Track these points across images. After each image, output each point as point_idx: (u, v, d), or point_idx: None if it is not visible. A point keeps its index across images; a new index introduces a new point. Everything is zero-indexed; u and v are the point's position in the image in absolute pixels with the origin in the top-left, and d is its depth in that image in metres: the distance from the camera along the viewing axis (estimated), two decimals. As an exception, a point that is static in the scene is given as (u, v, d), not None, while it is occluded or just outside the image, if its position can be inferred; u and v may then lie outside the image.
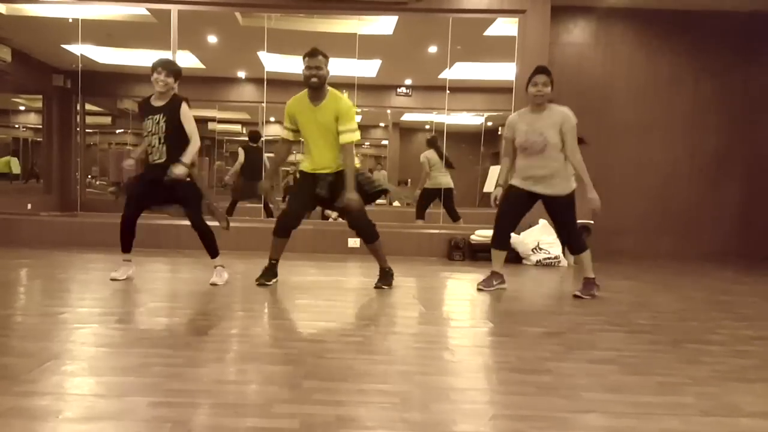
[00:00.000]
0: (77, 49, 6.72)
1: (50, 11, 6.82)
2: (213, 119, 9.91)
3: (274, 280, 4.10)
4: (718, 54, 7.08)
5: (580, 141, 3.93)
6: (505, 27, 6.43)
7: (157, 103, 3.87)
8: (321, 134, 3.92)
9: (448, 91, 6.96)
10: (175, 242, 5.79)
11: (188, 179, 3.85)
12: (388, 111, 9.74)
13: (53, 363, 2.20)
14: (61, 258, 5.10)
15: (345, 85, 7.10)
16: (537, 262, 5.71)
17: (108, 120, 10.55)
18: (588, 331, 3.04)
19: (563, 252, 5.73)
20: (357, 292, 4.03)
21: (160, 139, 3.84)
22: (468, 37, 6.80)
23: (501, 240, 4.13)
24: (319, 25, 7.00)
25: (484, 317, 3.42)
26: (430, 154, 7.27)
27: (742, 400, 2.06)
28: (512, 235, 5.57)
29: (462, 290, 4.30)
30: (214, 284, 3.96)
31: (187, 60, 6.89)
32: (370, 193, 4.05)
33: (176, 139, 3.82)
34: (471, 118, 9.30)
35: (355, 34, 6.61)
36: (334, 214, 7.52)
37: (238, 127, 10.42)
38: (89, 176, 9.90)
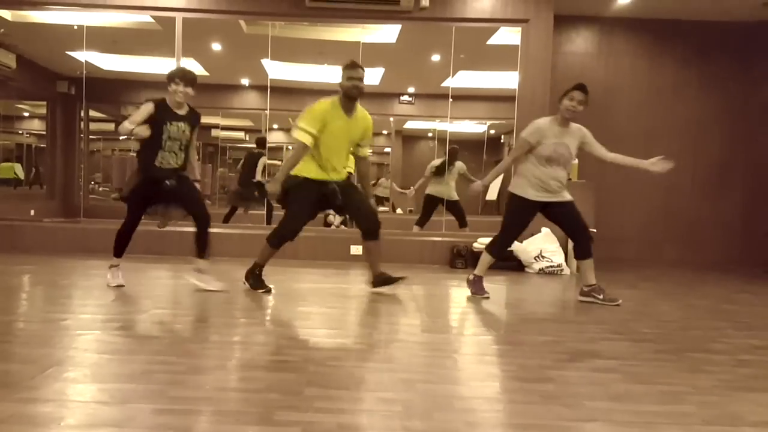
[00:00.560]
0: (82, 55, 6.76)
1: (55, 18, 6.86)
2: (216, 126, 9.94)
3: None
4: (720, 63, 7.09)
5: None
6: (508, 36, 6.45)
7: (179, 111, 3.92)
8: (347, 144, 4.06)
9: (450, 100, 6.97)
10: (178, 249, 5.80)
11: (191, 181, 4.02)
12: (391, 119, 9.75)
13: (55, 370, 2.20)
14: (63, 264, 5.11)
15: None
16: (540, 270, 5.70)
17: (112, 126, 10.58)
18: (591, 339, 3.04)
19: (566, 260, 5.72)
20: (359, 300, 4.03)
21: (181, 145, 3.92)
22: (471, 46, 6.81)
23: (504, 251, 4.15)
24: (322, 34, 7.03)
25: (487, 325, 3.41)
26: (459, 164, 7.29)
27: (745, 410, 2.05)
28: (515, 243, 5.58)
29: (464, 298, 4.29)
30: (214, 287, 3.97)
31: (191, 67, 6.92)
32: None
33: (190, 148, 4.02)
34: (474, 126, 9.31)
35: (359, 42, 6.64)
36: (337, 221, 7.52)
37: (241, 134, 10.44)
38: (92, 182, 9.92)
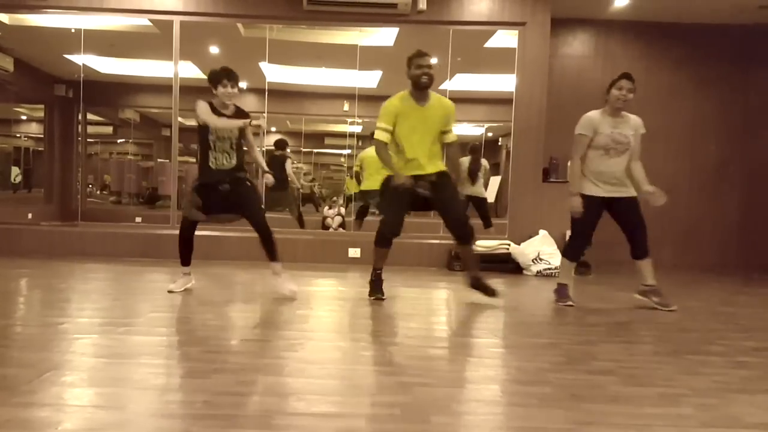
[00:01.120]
0: (79, 59, 6.76)
1: (53, 21, 6.86)
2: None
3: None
4: (717, 66, 7.12)
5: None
6: (505, 39, 6.46)
7: (225, 111, 3.98)
8: (429, 134, 3.94)
9: (448, 102, 6.98)
10: (174, 252, 5.78)
11: (249, 183, 4.05)
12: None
13: (53, 374, 2.20)
14: (61, 268, 5.10)
15: (346, 95, 7.15)
16: (537, 272, 5.70)
17: (110, 130, 10.57)
18: (588, 341, 3.04)
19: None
20: (357, 303, 4.02)
21: (232, 144, 3.96)
22: (468, 49, 6.83)
23: (578, 252, 4.13)
24: (320, 37, 7.04)
25: (484, 328, 3.41)
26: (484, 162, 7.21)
27: (743, 412, 2.06)
28: (512, 245, 5.58)
29: (462, 301, 4.29)
30: (291, 292, 3.98)
31: (189, 70, 6.91)
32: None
33: (241, 146, 4.03)
34: (471, 129, 9.32)
35: (356, 45, 6.65)
36: (336, 223, 7.52)
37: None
38: (90, 185, 9.91)
